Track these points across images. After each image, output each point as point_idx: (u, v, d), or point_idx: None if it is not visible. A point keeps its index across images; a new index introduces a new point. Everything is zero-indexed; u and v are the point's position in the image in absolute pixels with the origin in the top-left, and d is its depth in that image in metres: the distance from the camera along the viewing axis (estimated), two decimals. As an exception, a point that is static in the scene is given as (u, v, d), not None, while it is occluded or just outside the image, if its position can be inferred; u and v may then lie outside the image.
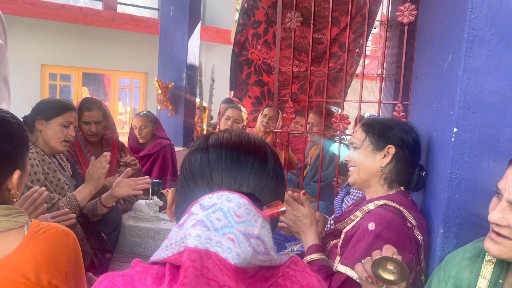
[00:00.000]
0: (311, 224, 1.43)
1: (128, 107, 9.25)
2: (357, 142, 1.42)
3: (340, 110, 2.29)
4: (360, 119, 1.99)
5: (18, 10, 6.68)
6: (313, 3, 2.16)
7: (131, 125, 3.31)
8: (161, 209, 2.52)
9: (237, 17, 5.54)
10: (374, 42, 10.15)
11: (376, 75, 4.17)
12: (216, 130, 3.75)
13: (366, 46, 2.25)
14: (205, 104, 4.58)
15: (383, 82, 2.34)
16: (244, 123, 3.41)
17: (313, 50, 2.46)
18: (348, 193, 2.07)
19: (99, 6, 8.16)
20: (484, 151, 1.16)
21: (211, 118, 3.70)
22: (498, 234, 0.87)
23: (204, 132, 3.57)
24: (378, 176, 1.38)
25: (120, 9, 8.45)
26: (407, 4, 1.88)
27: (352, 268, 1.23)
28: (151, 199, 2.48)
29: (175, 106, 4.64)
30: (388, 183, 1.38)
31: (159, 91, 4.54)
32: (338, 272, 1.28)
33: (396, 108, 1.96)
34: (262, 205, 0.65)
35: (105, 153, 1.99)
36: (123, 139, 3.08)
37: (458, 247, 1.09)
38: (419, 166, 1.42)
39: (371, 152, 1.38)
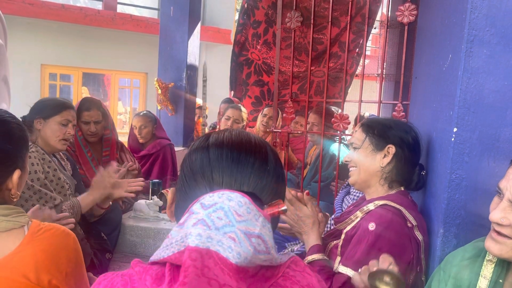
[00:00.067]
0: (313, 224, 1.43)
1: (128, 107, 9.25)
2: (357, 143, 1.42)
3: (340, 110, 2.29)
4: (360, 119, 1.99)
5: (18, 10, 6.68)
6: (313, 3, 2.16)
7: (131, 125, 3.31)
8: (161, 209, 2.52)
9: (237, 17, 5.54)
10: (374, 42, 10.15)
11: (376, 75, 4.17)
12: (216, 131, 3.76)
13: (366, 46, 2.25)
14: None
15: (383, 82, 2.34)
16: (244, 123, 3.41)
17: (313, 50, 2.46)
18: (348, 193, 2.07)
19: (99, 6, 8.16)
20: (484, 151, 1.16)
21: (206, 117, 3.70)
22: (499, 233, 0.87)
23: (204, 132, 3.58)
24: (379, 176, 1.38)
25: (120, 9, 8.45)
26: (407, 4, 1.88)
27: (353, 269, 1.23)
28: (151, 199, 2.48)
29: (175, 106, 4.64)
30: (389, 183, 1.38)
31: (159, 91, 4.54)
32: (339, 273, 1.28)
33: (396, 108, 1.96)
34: (263, 204, 0.65)
35: (113, 163, 2.00)
36: (123, 139, 3.09)
37: (458, 247, 1.10)
38: (419, 165, 1.42)
39: (371, 152, 1.38)
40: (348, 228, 1.38)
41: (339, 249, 1.36)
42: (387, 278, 0.97)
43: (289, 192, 1.47)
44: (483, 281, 0.93)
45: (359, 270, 1.07)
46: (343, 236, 1.37)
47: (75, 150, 2.48)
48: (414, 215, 1.29)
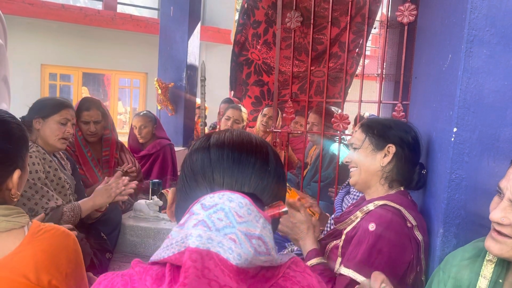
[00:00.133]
0: (308, 229, 1.43)
1: (128, 107, 9.25)
2: (357, 143, 1.42)
3: (340, 110, 2.29)
4: (360, 119, 1.99)
5: (18, 10, 6.68)
6: (313, 3, 2.16)
7: (131, 125, 3.32)
8: (161, 209, 2.52)
9: (237, 17, 5.54)
10: (374, 42, 10.15)
11: (376, 75, 4.17)
12: (216, 130, 3.76)
13: (366, 46, 2.25)
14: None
15: (383, 82, 2.34)
16: (244, 123, 3.41)
17: (313, 50, 2.46)
18: (348, 192, 2.07)
19: (99, 6, 8.16)
20: (484, 151, 1.16)
21: (205, 117, 3.71)
22: (499, 233, 0.87)
23: (203, 131, 3.57)
24: (379, 176, 1.38)
25: (120, 9, 8.45)
26: (407, 4, 1.88)
27: (355, 270, 1.23)
28: (151, 199, 2.48)
29: (175, 106, 4.64)
30: (389, 182, 1.38)
31: (159, 91, 4.54)
32: (341, 274, 1.28)
33: (396, 108, 1.96)
34: (263, 205, 0.65)
35: (124, 178, 2.02)
36: (123, 139, 3.09)
37: (458, 247, 1.10)
38: (420, 164, 1.42)
39: (372, 152, 1.38)
40: (349, 228, 1.38)
41: (339, 249, 1.36)
42: None
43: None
44: (483, 281, 0.93)
45: (361, 281, 1.06)
46: (343, 236, 1.37)
47: (75, 150, 2.48)
48: (414, 215, 1.29)
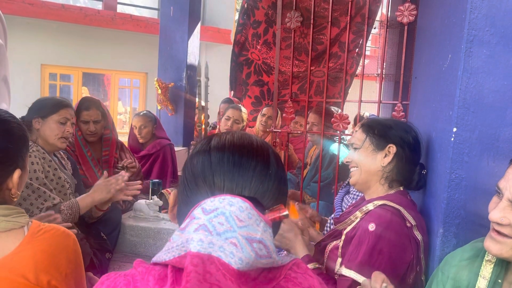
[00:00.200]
0: (296, 236, 1.43)
1: (128, 107, 9.24)
2: (357, 143, 1.42)
3: (339, 110, 2.29)
4: (359, 119, 1.99)
5: (18, 10, 6.68)
6: (313, 3, 2.16)
7: (131, 125, 3.32)
8: (161, 209, 2.52)
9: (237, 17, 5.54)
10: (374, 42, 10.15)
11: (376, 75, 4.17)
12: (216, 130, 3.76)
13: (366, 46, 2.25)
14: (203, 103, 4.58)
15: (382, 82, 2.34)
16: (244, 123, 3.41)
17: (313, 50, 2.47)
18: (348, 192, 2.07)
19: (99, 6, 8.16)
20: (484, 151, 1.16)
21: (208, 117, 3.71)
22: (499, 233, 0.87)
23: (203, 132, 3.57)
24: (379, 176, 1.38)
25: (120, 9, 8.44)
26: (406, 4, 1.88)
27: (356, 271, 1.23)
28: (151, 199, 2.48)
29: (175, 106, 4.64)
30: (389, 182, 1.38)
31: (159, 91, 4.54)
32: (342, 275, 1.28)
33: (396, 108, 1.96)
34: (264, 209, 0.65)
35: (122, 172, 1.99)
36: (123, 139, 3.09)
37: (457, 246, 1.10)
38: (420, 164, 1.42)
39: (372, 152, 1.38)
40: (348, 229, 1.38)
41: (339, 250, 1.36)
42: None
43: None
44: (482, 281, 0.93)
45: (362, 282, 1.06)
46: (343, 237, 1.37)
47: (75, 150, 2.48)
48: (413, 215, 1.29)
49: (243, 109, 3.47)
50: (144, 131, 3.21)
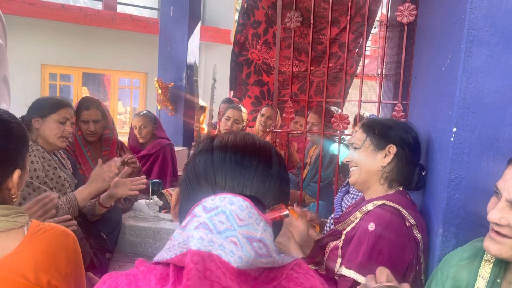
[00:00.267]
0: (289, 240, 1.44)
1: (128, 107, 9.25)
2: (357, 143, 1.42)
3: (339, 110, 2.29)
4: (359, 119, 1.99)
5: (18, 10, 6.68)
6: (313, 3, 2.16)
7: (131, 125, 3.32)
8: (161, 208, 2.52)
9: (237, 17, 5.54)
10: (373, 42, 10.15)
11: (375, 75, 4.18)
12: (216, 130, 3.76)
13: (366, 46, 2.25)
14: (202, 103, 4.58)
15: (382, 82, 2.34)
16: (244, 123, 3.41)
17: (313, 50, 2.47)
18: (347, 192, 2.07)
19: (99, 6, 8.16)
20: (484, 151, 1.16)
21: (212, 117, 3.71)
22: (498, 233, 0.87)
23: (204, 132, 3.58)
24: (379, 176, 1.38)
25: (120, 9, 8.45)
26: (406, 4, 1.88)
27: (357, 271, 1.23)
28: (151, 199, 2.48)
29: (175, 106, 4.64)
30: (389, 182, 1.38)
31: (159, 91, 4.54)
32: (342, 275, 1.28)
33: (396, 108, 1.96)
34: (265, 208, 0.65)
35: (116, 158, 2.00)
36: (123, 139, 3.09)
37: (457, 246, 1.10)
38: (420, 165, 1.42)
39: (372, 152, 1.38)
40: (348, 229, 1.38)
41: (339, 250, 1.36)
42: None
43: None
44: (481, 281, 0.93)
45: (366, 278, 1.06)
46: (343, 237, 1.38)
47: (75, 150, 2.48)
48: (413, 215, 1.30)
49: (243, 109, 3.47)
50: (144, 131, 3.21)
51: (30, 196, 1.75)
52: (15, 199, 0.99)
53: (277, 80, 2.31)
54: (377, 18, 4.17)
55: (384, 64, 3.36)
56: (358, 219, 1.36)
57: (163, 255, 0.63)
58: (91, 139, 2.53)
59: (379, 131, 1.39)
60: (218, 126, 3.86)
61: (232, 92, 4.36)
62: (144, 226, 2.33)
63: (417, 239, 1.28)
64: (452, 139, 1.18)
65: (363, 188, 1.44)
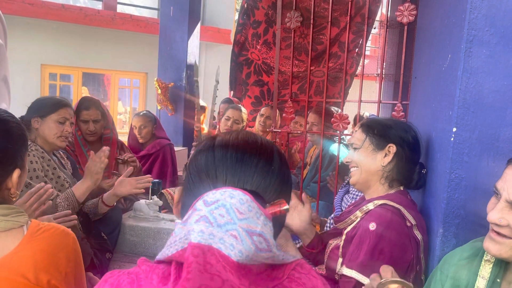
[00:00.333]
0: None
1: (128, 107, 9.25)
2: (357, 143, 1.42)
3: (339, 110, 2.29)
4: (359, 119, 1.99)
5: (18, 10, 6.68)
6: (313, 3, 2.16)
7: (131, 125, 3.32)
8: (161, 208, 2.52)
9: (237, 17, 5.54)
10: (373, 42, 10.15)
11: (375, 75, 4.18)
12: (216, 131, 3.76)
13: (365, 46, 2.25)
14: (202, 103, 4.58)
15: (382, 82, 2.34)
16: (244, 123, 3.41)
17: (312, 50, 2.47)
18: (347, 191, 2.07)
19: (99, 6, 8.16)
20: (484, 151, 1.16)
21: (214, 118, 3.71)
22: (498, 233, 0.87)
23: (204, 132, 3.58)
24: (379, 175, 1.38)
25: (120, 9, 8.45)
26: (406, 4, 1.88)
27: (358, 271, 1.23)
28: (151, 198, 2.48)
29: (175, 106, 4.64)
30: (389, 182, 1.38)
31: (159, 91, 4.54)
32: (343, 275, 1.28)
33: (396, 108, 1.96)
34: (265, 203, 0.66)
35: (104, 147, 1.99)
36: (123, 138, 3.09)
37: (457, 246, 1.10)
38: (420, 164, 1.42)
39: (372, 152, 1.38)
40: (349, 228, 1.38)
41: (340, 249, 1.36)
42: (393, 286, 0.95)
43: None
44: (481, 280, 0.93)
45: (370, 277, 1.06)
46: (343, 236, 1.37)
47: (75, 150, 2.48)
48: (413, 215, 1.30)
49: (243, 109, 3.46)
50: (144, 131, 3.21)
51: None
52: (14, 199, 0.99)
53: (277, 80, 2.31)
54: (377, 18, 4.17)
55: (384, 64, 3.36)
56: (358, 219, 1.36)
57: (165, 251, 0.63)
58: (91, 139, 2.53)
59: (378, 131, 1.39)
60: (218, 126, 3.86)
61: (232, 92, 4.35)
62: (144, 226, 2.33)
63: (417, 239, 1.28)
64: (452, 139, 1.18)
65: (363, 188, 1.44)
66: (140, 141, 3.24)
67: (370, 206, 1.34)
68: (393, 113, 1.96)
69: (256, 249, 0.59)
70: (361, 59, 2.66)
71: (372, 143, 1.39)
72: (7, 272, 0.88)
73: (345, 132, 2.13)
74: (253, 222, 0.60)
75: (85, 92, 8.15)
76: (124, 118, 9.30)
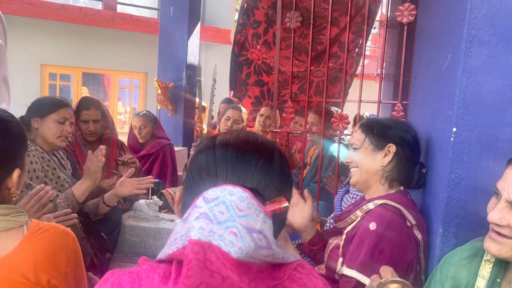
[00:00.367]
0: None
1: (128, 107, 9.25)
2: (357, 143, 1.42)
3: (339, 110, 2.29)
4: (359, 119, 1.99)
5: (18, 10, 6.68)
6: (313, 3, 2.16)
7: (131, 125, 3.32)
8: (161, 208, 2.52)
9: (237, 17, 5.54)
10: (373, 42, 10.15)
11: (375, 75, 4.18)
12: (216, 130, 3.76)
13: (365, 46, 2.25)
14: (203, 103, 4.58)
15: (382, 82, 2.34)
16: (244, 123, 3.41)
17: (312, 50, 2.47)
18: (347, 191, 2.07)
19: (99, 6, 8.16)
20: (484, 151, 1.16)
21: (212, 118, 3.71)
22: (498, 233, 0.87)
23: (204, 132, 3.57)
24: (380, 175, 1.38)
25: (120, 9, 8.45)
26: (406, 4, 1.88)
27: (358, 271, 1.23)
28: (151, 198, 2.48)
29: (175, 106, 4.64)
30: (389, 182, 1.38)
31: (159, 91, 4.54)
32: (344, 275, 1.28)
33: (396, 108, 1.96)
34: (265, 201, 0.66)
35: (101, 146, 1.98)
36: (123, 138, 3.09)
37: (457, 246, 1.10)
38: (420, 163, 1.42)
39: (372, 152, 1.38)
40: (349, 228, 1.38)
41: (340, 249, 1.36)
42: (393, 286, 0.95)
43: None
44: (481, 280, 0.93)
45: (370, 278, 1.06)
46: (344, 236, 1.37)
47: (75, 150, 2.48)
48: (414, 215, 1.30)
49: (243, 109, 3.46)
50: (144, 131, 3.21)
51: None
52: (14, 199, 1.00)
53: (277, 80, 2.32)
54: (377, 18, 4.17)
55: (384, 64, 3.36)
56: (358, 218, 1.36)
57: (166, 250, 0.63)
58: (91, 139, 2.53)
59: (378, 131, 1.39)
60: (218, 126, 3.86)
61: (232, 92, 4.36)
62: (144, 226, 2.33)
63: (417, 239, 1.28)
64: (452, 139, 1.18)
65: (364, 188, 1.44)
66: (140, 141, 3.24)
67: (370, 205, 1.34)
68: (393, 113, 1.96)
69: (256, 246, 0.60)
70: (361, 59, 2.67)
71: (372, 143, 1.39)
72: (7, 272, 0.88)
73: (345, 132, 2.13)
74: (252, 219, 0.61)
75: (85, 92, 8.15)
76: (124, 118, 9.30)
